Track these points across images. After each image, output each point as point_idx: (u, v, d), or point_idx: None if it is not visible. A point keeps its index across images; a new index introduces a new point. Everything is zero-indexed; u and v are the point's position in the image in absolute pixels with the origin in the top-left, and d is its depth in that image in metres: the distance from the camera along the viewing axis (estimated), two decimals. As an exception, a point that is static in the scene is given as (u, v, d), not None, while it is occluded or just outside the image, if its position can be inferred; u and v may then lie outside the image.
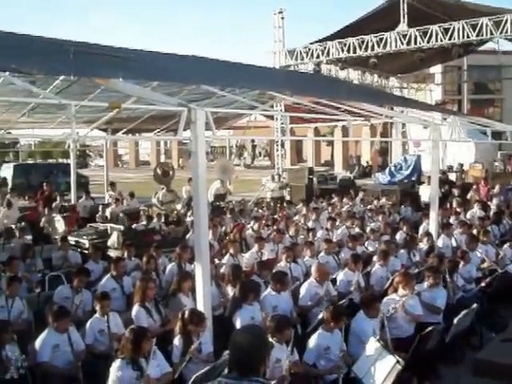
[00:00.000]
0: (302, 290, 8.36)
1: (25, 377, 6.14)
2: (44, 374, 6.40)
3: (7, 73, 8.42)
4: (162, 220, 14.69)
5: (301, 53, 25.90)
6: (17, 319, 7.50)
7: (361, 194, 19.90)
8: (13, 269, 8.95)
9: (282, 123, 25.87)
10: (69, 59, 6.65)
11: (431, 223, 12.39)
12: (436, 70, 36.63)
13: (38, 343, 6.46)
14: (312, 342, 6.49)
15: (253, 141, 66.59)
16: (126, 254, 9.95)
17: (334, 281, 9.07)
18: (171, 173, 17.65)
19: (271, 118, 30.10)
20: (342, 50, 24.49)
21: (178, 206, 17.11)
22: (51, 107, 14.99)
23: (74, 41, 7.59)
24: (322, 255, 10.37)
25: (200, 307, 6.88)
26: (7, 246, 11.62)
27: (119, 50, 8.14)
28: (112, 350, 6.70)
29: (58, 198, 17.66)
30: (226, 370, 4.13)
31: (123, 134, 18.26)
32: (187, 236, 12.19)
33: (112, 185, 19.16)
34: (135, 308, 7.37)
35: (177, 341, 6.35)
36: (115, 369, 5.59)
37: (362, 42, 23.75)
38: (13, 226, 13.56)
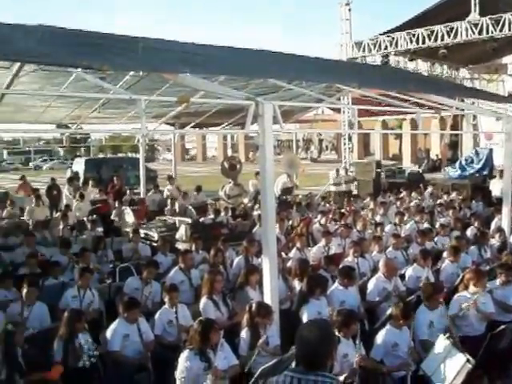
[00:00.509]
0: (370, 285, 8.24)
1: (96, 365, 6.31)
2: (114, 362, 6.55)
3: (79, 69, 8.65)
4: (229, 214, 14.78)
5: (368, 45, 25.51)
6: (88, 309, 7.69)
7: (430, 189, 19.42)
8: (85, 260, 9.22)
9: (349, 116, 25.53)
10: (138, 55, 6.75)
11: (503, 219, 11.95)
12: (509, 59, 35.28)
13: (109, 332, 6.62)
14: (380, 338, 6.37)
15: (319, 134, 66.17)
16: (193, 247, 10.04)
17: (402, 276, 8.90)
18: (238, 166, 17.73)
19: (338, 111, 29.83)
20: (411, 41, 23.94)
21: (245, 200, 17.16)
22: (121, 102, 15.34)
23: (142, 37, 7.70)
24: (390, 250, 10.20)
25: (267, 301, 6.86)
26: (79, 238, 11.93)
27: (186, 45, 8.21)
28: (180, 341, 6.82)
29: (128, 192, 18.07)
30: (292, 364, 4.10)
31: (191, 128, 18.49)
32: (254, 230, 12.21)
33: (170, 179, 19.38)
34: (203, 300, 7.44)
35: (244, 333, 6.37)
36: (183, 359, 5.67)
37: (432, 33, 23.14)
38: (85, 219, 13.99)
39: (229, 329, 6.73)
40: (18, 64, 11.55)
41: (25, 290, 7.31)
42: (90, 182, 19.55)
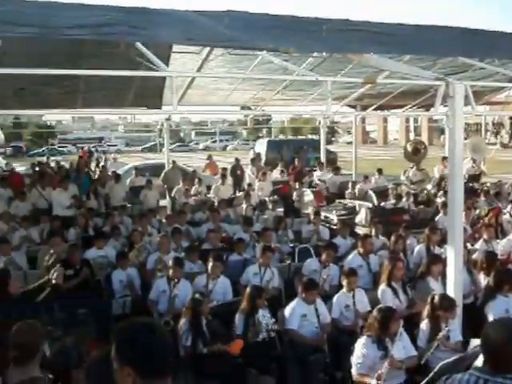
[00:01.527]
0: None
1: (274, 341, 6.48)
2: (291, 340, 6.69)
3: (264, 51, 8.82)
4: (411, 199, 14.28)
5: None
6: (268, 286, 7.87)
7: None
8: (266, 239, 9.45)
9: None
10: (322, 36, 6.71)
11: None
12: None
13: (287, 311, 6.77)
14: None
15: (512, 118, 61.66)
16: (373, 232, 9.89)
17: None
18: (422, 151, 17.07)
19: (535, 92, 27.53)
20: None
21: (429, 186, 16.49)
22: (303, 84, 15.49)
23: (325, 18, 7.65)
24: None
25: (450, 293, 6.56)
26: (261, 217, 12.29)
27: (370, 25, 8.02)
28: (356, 326, 6.78)
29: (308, 174, 18.22)
30: (475, 363, 3.88)
31: (373, 110, 18.15)
32: (437, 218, 11.70)
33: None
34: (381, 287, 7.29)
35: (424, 325, 6.14)
36: (361, 345, 5.60)
37: None
38: (266, 199, 14.37)
39: (407, 318, 6.53)
40: (208, 49, 12.13)
41: (210, 264, 7.70)
42: (279, 165, 19.97)
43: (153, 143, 63.85)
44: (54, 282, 5.40)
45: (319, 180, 17.45)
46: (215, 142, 70.33)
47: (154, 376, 2.26)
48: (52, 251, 8.68)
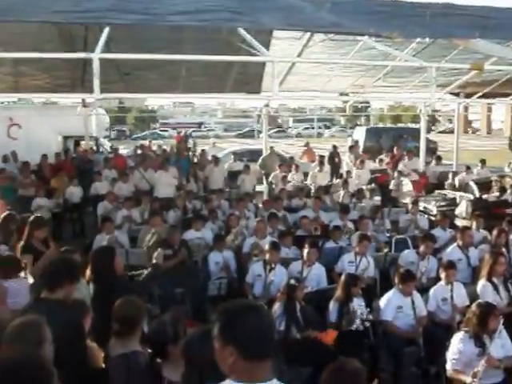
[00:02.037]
0: None
1: (367, 330, 6.44)
2: (385, 331, 6.63)
3: (366, 37, 8.70)
4: (517, 192, 13.68)
5: None
6: (363, 275, 7.80)
7: None
8: (363, 227, 9.37)
9: None
10: (425, 21, 6.57)
11: None
12: None
13: (383, 301, 6.70)
14: None
15: None
16: (474, 225, 9.55)
17: None
18: (529, 142, 16.30)
19: None
20: None
21: (535, 179, 15.70)
22: (404, 71, 15.15)
23: (429, 3, 7.45)
24: None
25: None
26: (358, 205, 12.20)
27: (474, 9, 7.74)
28: (453, 321, 6.61)
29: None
30: None
31: (477, 98, 17.48)
32: (544, 213, 11.14)
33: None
34: (482, 282, 7.04)
35: (526, 324, 5.88)
36: (457, 341, 5.44)
37: None
38: (363, 187, 14.23)
39: (507, 316, 6.28)
40: (308, 35, 12.11)
41: (306, 251, 7.73)
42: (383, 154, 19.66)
43: (248, 129, 64.58)
44: (154, 261, 5.60)
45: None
46: (313, 129, 70.02)
47: (256, 357, 2.28)
48: (153, 231, 9.03)
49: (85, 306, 4.43)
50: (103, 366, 4.12)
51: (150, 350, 3.93)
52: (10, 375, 2.47)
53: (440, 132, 43.64)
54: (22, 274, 5.62)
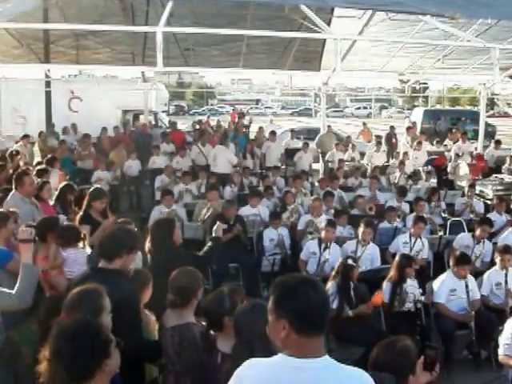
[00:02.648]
0: None
1: (420, 312, 6.44)
2: (437, 314, 6.61)
3: (428, 16, 8.57)
4: None
5: None
6: (417, 256, 7.77)
7: None
8: (419, 209, 9.32)
9: None
10: (489, 2, 6.46)
11: None
12: None
13: (436, 284, 6.68)
14: None
15: None
16: (531, 211, 9.40)
17: None
18: None
19: None
20: None
21: None
22: (464, 53, 14.83)
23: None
24: None
25: None
26: (414, 187, 12.11)
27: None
28: (507, 306, 6.56)
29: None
30: None
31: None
32: None
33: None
34: (538, 268, 6.95)
35: None
36: (510, 326, 5.40)
37: None
38: (420, 169, 14.09)
39: None
40: (369, 14, 11.97)
41: (361, 230, 7.77)
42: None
43: (303, 107, 64.08)
44: (214, 234, 5.67)
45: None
46: (370, 109, 69.00)
47: (309, 332, 2.24)
48: (209, 205, 9.19)
49: (146, 277, 4.49)
50: (158, 336, 4.15)
51: (204, 323, 3.96)
52: (69, 342, 2.53)
53: (491, 116, 42.33)
54: (81, 245, 5.69)
